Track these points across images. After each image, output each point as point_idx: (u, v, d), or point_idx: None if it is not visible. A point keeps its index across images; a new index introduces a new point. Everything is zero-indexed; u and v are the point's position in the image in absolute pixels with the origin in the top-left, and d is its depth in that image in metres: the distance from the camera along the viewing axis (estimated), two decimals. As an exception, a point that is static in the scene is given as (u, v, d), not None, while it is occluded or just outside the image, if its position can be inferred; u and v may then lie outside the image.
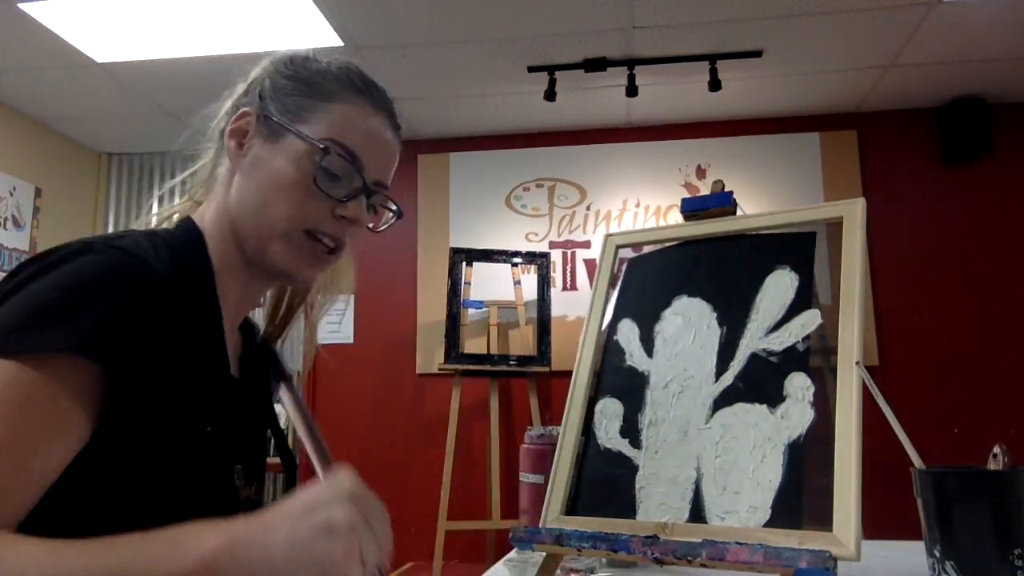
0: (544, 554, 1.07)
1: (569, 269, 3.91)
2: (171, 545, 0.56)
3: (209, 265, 0.79)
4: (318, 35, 2.92)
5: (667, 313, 1.15)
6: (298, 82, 0.82)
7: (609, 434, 1.13)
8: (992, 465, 0.87)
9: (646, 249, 1.27)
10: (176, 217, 0.86)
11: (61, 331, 0.62)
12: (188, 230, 0.81)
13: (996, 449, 0.87)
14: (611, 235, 1.29)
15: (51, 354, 0.62)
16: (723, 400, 1.03)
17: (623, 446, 1.10)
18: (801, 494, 0.91)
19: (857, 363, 0.92)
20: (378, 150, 0.83)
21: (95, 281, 0.65)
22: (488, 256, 3.68)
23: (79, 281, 0.65)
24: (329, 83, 0.82)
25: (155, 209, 0.92)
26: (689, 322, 1.12)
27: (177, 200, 0.92)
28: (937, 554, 0.85)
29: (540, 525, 1.08)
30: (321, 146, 0.78)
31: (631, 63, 3.23)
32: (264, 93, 0.82)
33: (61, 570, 0.55)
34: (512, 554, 1.33)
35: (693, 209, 1.25)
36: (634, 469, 1.07)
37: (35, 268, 0.66)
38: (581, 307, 3.80)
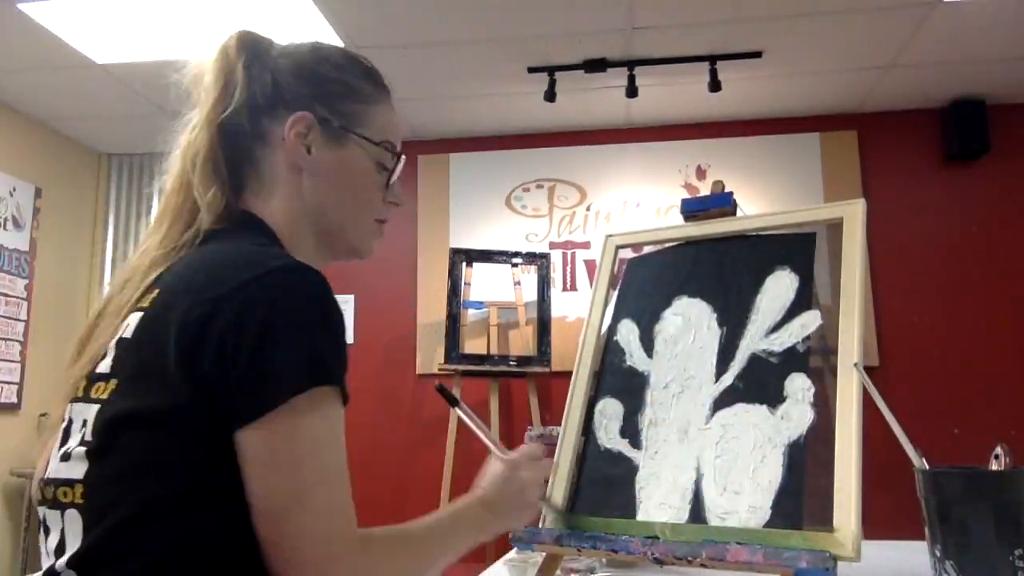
0: (544, 554, 1.07)
1: (569, 269, 3.91)
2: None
3: None
4: (318, 35, 2.91)
5: (667, 313, 1.15)
6: (339, 85, 0.88)
7: (609, 434, 1.13)
8: (994, 465, 0.87)
9: (646, 249, 1.27)
10: (207, 208, 0.83)
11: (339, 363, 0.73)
12: (270, 230, 0.85)
13: (998, 449, 0.87)
14: (611, 235, 1.29)
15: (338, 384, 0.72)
16: (723, 401, 1.03)
17: (623, 446, 1.10)
18: (801, 494, 0.91)
19: (856, 365, 0.92)
20: (401, 138, 0.94)
21: (333, 308, 0.73)
22: (488, 256, 3.68)
23: (327, 309, 0.73)
24: (368, 87, 0.91)
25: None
26: (689, 323, 1.12)
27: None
28: (938, 554, 0.85)
29: (540, 525, 1.08)
30: (390, 151, 0.90)
31: (631, 64, 3.23)
32: (309, 95, 0.86)
33: (432, 531, 0.82)
34: (512, 554, 1.33)
35: (693, 210, 1.25)
36: (634, 469, 1.07)
37: (269, 292, 0.71)
38: (581, 307, 3.80)
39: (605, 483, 1.09)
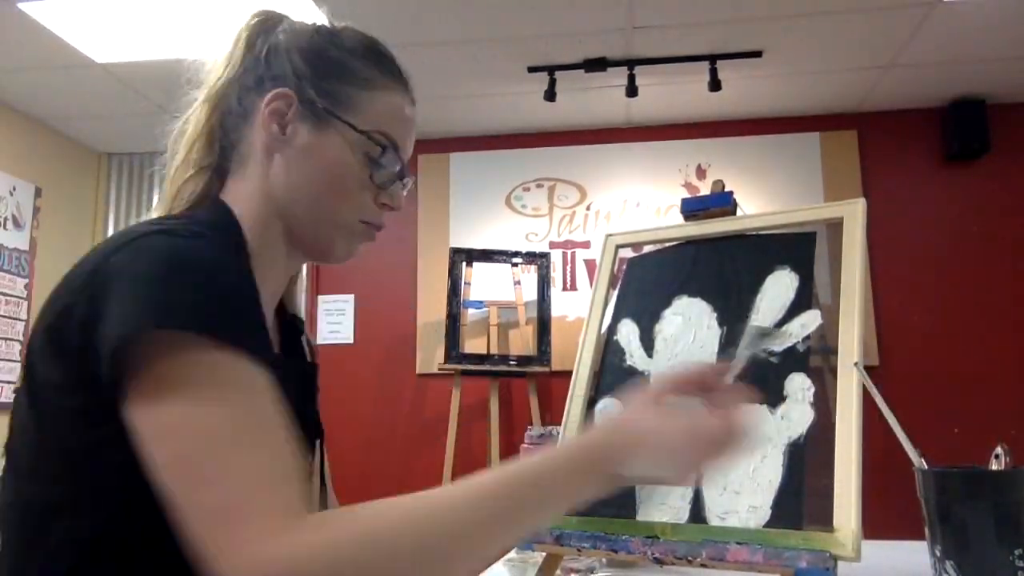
0: (544, 554, 1.07)
1: (569, 269, 3.91)
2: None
3: (246, 247, 0.76)
4: (318, 35, 2.92)
5: (667, 313, 1.16)
6: (335, 65, 0.80)
7: (609, 434, 1.13)
8: (994, 465, 0.87)
9: (646, 249, 1.27)
10: (189, 192, 0.79)
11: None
12: (226, 212, 0.77)
13: (998, 449, 0.87)
14: (611, 235, 1.29)
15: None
16: (723, 400, 1.03)
17: (623, 446, 1.10)
18: (801, 494, 0.91)
19: (856, 364, 0.92)
20: (411, 137, 0.84)
21: (194, 262, 0.63)
22: (488, 256, 3.68)
23: (185, 262, 0.62)
24: (368, 69, 0.81)
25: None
26: (689, 322, 1.12)
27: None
28: (938, 554, 0.85)
29: (540, 525, 1.08)
30: (379, 143, 0.79)
31: (631, 63, 3.23)
32: (298, 72, 0.79)
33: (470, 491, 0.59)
34: (512, 554, 1.33)
35: (693, 209, 1.25)
36: (634, 469, 1.07)
37: (125, 255, 0.63)
38: (581, 307, 3.80)
39: (605, 483, 1.09)
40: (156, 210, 0.81)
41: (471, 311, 3.71)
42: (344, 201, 0.80)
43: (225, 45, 0.82)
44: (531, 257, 3.71)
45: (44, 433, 0.65)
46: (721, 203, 1.24)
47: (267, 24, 0.84)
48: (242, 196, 0.79)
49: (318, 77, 0.79)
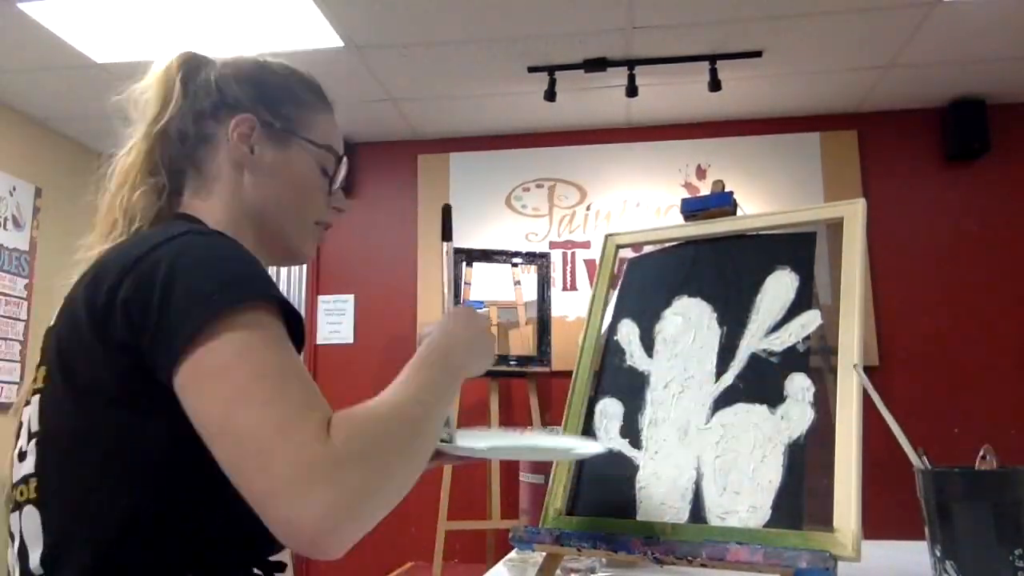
0: (544, 554, 1.07)
1: (569, 269, 3.91)
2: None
3: None
4: (318, 35, 2.92)
5: (667, 313, 1.15)
6: (282, 91, 0.92)
7: (609, 434, 1.13)
8: (982, 466, 0.87)
9: (646, 249, 1.27)
10: (141, 213, 0.86)
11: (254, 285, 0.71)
12: (200, 223, 0.84)
13: (983, 450, 0.87)
14: (611, 235, 1.29)
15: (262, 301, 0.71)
16: (723, 400, 1.03)
17: (623, 446, 1.10)
18: (801, 494, 0.91)
19: (855, 366, 0.92)
20: (342, 149, 0.96)
21: (235, 251, 0.74)
22: (488, 256, 3.68)
23: (227, 252, 0.74)
24: (310, 96, 0.94)
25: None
26: (689, 322, 1.12)
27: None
28: (938, 554, 0.85)
29: (540, 525, 1.08)
30: (335, 155, 0.93)
31: (631, 63, 3.23)
32: (252, 99, 0.89)
33: (399, 396, 0.73)
34: (512, 554, 1.33)
35: (693, 209, 1.26)
36: (634, 469, 1.07)
37: (166, 252, 0.71)
38: (581, 307, 3.80)
39: (605, 483, 1.09)
40: (99, 232, 0.87)
41: (471, 311, 3.70)
42: (309, 207, 0.92)
43: (158, 84, 0.91)
44: (531, 257, 3.71)
45: (84, 415, 0.70)
46: (721, 203, 1.24)
47: (199, 62, 0.92)
48: (207, 211, 0.87)
49: (271, 102, 0.90)
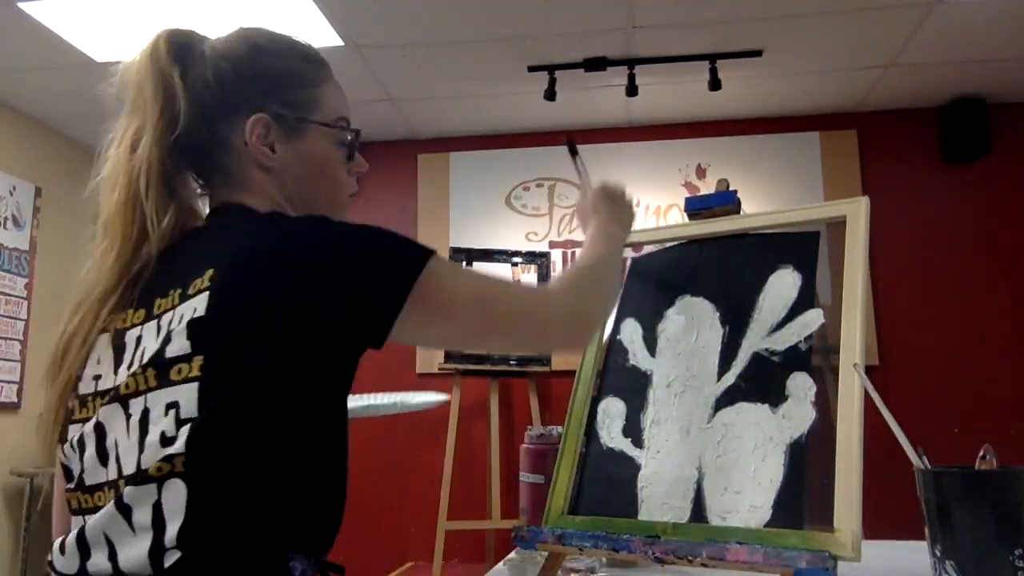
0: (544, 555, 1.07)
1: (569, 269, 3.91)
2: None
3: None
4: (318, 35, 2.92)
5: (670, 312, 1.16)
6: (284, 75, 0.90)
7: (612, 434, 1.13)
8: (982, 466, 0.87)
9: (646, 249, 1.27)
10: (164, 232, 0.83)
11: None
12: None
13: (983, 450, 0.88)
14: (613, 235, 1.29)
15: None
16: (725, 400, 1.03)
17: (626, 446, 1.10)
18: (802, 494, 0.92)
19: (855, 365, 0.92)
20: (348, 109, 0.96)
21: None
22: (488, 256, 3.68)
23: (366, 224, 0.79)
24: (310, 68, 0.92)
25: None
26: (692, 321, 1.12)
27: None
28: (938, 554, 0.85)
29: (543, 524, 1.08)
30: (348, 132, 0.93)
31: (631, 63, 3.23)
32: (258, 93, 0.88)
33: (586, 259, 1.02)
34: (512, 554, 1.33)
35: (697, 208, 1.26)
36: (636, 468, 1.07)
37: (319, 235, 0.77)
38: (581, 307, 3.80)
39: (607, 482, 1.09)
40: (127, 240, 0.82)
41: (471, 311, 3.70)
42: (337, 186, 0.93)
43: (153, 78, 0.86)
44: (531, 257, 3.71)
45: (251, 400, 0.73)
46: (725, 202, 1.24)
47: (192, 51, 0.90)
48: (258, 204, 0.86)
49: (278, 92, 0.89)
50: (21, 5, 2.73)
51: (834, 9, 2.85)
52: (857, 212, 1.04)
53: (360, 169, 0.96)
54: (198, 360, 0.73)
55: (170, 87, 0.85)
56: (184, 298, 0.76)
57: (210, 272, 0.75)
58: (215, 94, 0.86)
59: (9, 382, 3.57)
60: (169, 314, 0.77)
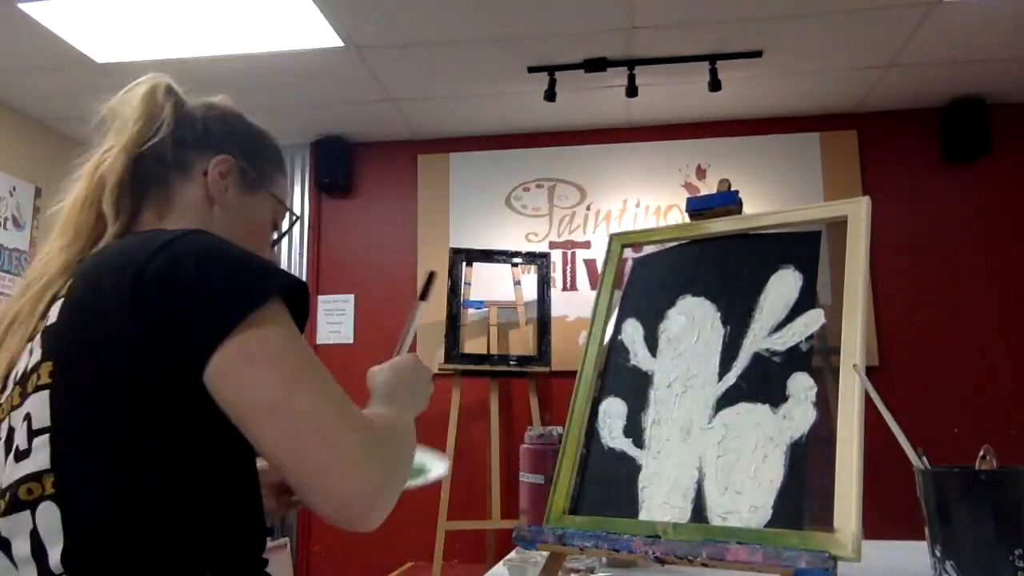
0: (544, 555, 1.07)
1: (569, 269, 3.91)
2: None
3: None
4: (318, 35, 2.92)
5: (671, 313, 1.16)
6: (257, 145, 1.01)
7: (613, 434, 1.13)
8: (982, 466, 0.87)
9: (647, 249, 1.27)
10: (111, 221, 0.89)
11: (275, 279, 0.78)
12: None
13: (983, 451, 0.88)
14: (616, 234, 1.29)
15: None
16: (726, 400, 1.04)
17: (626, 446, 1.10)
18: (802, 494, 0.92)
19: (855, 366, 0.92)
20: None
21: (244, 250, 0.81)
22: (488, 256, 3.68)
23: (239, 250, 0.80)
24: (276, 158, 1.04)
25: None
26: (693, 322, 1.12)
27: None
28: (938, 554, 0.85)
29: (544, 524, 1.08)
30: (288, 214, 1.04)
31: (631, 63, 3.23)
32: (234, 144, 0.97)
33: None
34: (512, 554, 1.33)
35: (698, 208, 1.26)
36: (637, 469, 1.07)
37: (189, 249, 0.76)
38: (581, 307, 3.80)
39: (608, 482, 1.09)
40: (78, 238, 0.89)
41: (471, 311, 3.70)
42: (257, 250, 0.95)
43: (144, 106, 0.95)
44: (531, 257, 3.71)
45: (111, 408, 0.72)
46: (726, 202, 1.24)
47: (182, 98, 0.99)
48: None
49: (249, 153, 0.99)
50: (21, 5, 2.73)
51: (834, 9, 2.85)
52: (858, 212, 1.04)
53: (274, 254, 1.05)
54: (47, 366, 0.74)
55: (158, 114, 0.94)
56: (51, 301, 0.80)
57: (71, 281, 0.78)
58: (196, 129, 0.96)
59: (9, 382, 3.57)
60: (47, 313, 0.80)
